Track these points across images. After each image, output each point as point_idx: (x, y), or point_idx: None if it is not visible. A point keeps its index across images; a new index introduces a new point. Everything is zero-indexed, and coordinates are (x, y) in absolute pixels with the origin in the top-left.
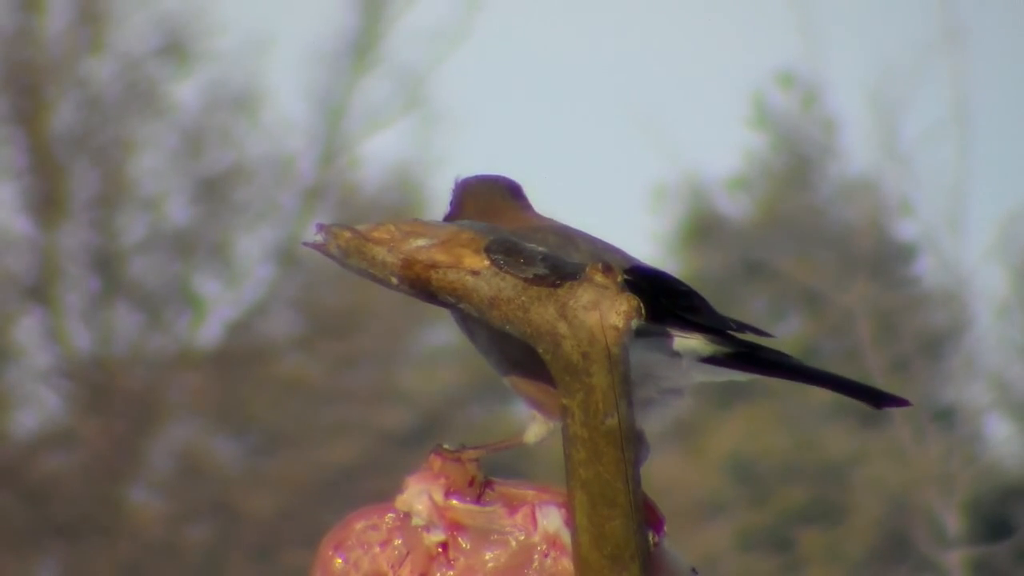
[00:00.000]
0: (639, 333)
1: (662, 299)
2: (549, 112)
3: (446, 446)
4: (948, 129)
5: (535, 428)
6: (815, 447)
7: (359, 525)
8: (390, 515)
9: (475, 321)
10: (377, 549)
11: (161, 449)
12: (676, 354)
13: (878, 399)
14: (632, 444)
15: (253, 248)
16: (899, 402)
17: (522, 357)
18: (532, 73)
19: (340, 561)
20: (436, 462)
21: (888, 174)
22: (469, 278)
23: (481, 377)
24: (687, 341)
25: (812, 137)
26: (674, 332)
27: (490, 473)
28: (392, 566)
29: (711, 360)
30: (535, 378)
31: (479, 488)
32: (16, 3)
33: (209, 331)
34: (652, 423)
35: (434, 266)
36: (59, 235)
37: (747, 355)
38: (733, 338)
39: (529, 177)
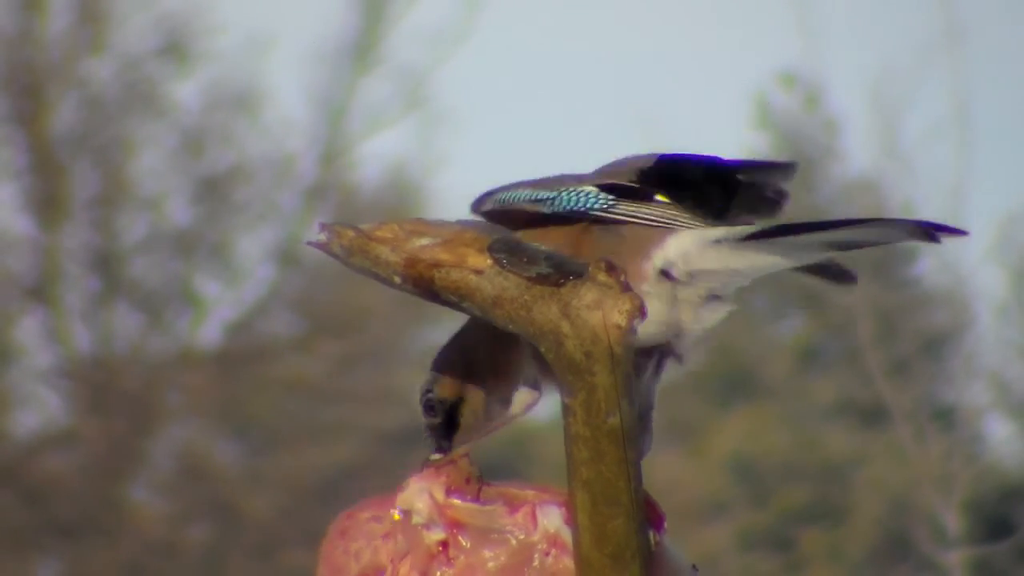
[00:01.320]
0: (681, 223)
1: (692, 185)
2: (549, 112)
3: (435, 457)
4: (949, 129)
5: (520, 397)
6: (816, 447)
7: (364, 515)
8: (395, 509)
9: (478, 344)
10: (379, 541)
11: (161, 449)
12: (719, 241)
13: (932, 228)
14: (634, 443)
15: (253, 248)
16: (951, 230)
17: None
18: (532, 73)
19: (342, 550)
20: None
21: (889, 174)
22: (472, 277)
23: None
24: (719, 229)
25: (813, 137)
26: (706, 223)
27: (491, 475)
28: (392, 560)
29: (753, 237)
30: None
31: (477, 483)
32: (16, 3)
33: (209, 331)
34: (701, 328)
35: (437, 265)
36: (59, 235)
37: (785, 226)
38: (762, 216)
39: (529, 177)
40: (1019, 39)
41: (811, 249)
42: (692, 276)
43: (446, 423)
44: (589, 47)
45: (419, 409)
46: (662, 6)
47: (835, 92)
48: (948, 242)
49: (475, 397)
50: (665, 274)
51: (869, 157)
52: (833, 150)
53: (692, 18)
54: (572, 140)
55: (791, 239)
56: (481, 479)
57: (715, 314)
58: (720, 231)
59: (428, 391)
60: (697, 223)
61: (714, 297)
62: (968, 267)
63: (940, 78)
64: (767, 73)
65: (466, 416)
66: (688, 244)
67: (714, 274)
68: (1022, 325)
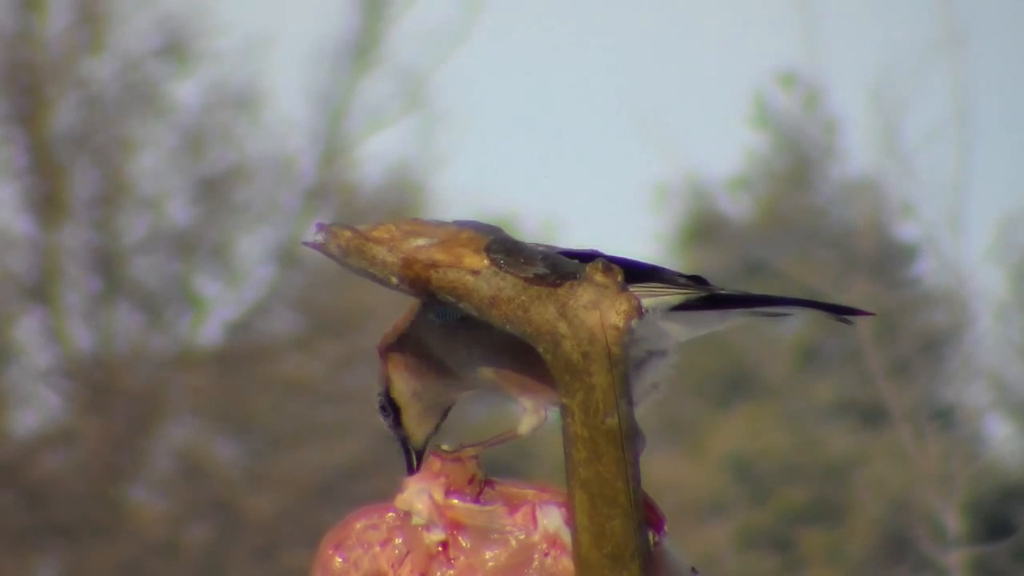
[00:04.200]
0: None
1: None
2: (549, 112)
3: (444, 447)
4: (949, 130)
5: (528, 419)
6: (815, 447)
7: (359, 524)
8: (390, 514)
9: (448, 337)
10: (377, 548)
11: (161, 449)
12: (647, 310)
13: (840, 311)
14: (632, 443)
15: (253, 248)
16: (859, 312)
17: (509, 349)
18: (532, 73)
19: (340, 560)
20: (436, 462)
21: (889, 174)
22: (469, 277)
23: None
24: (655, 297)
25: (813, 137)
26: (639, 288)
27: (490, 473)
28: (392, 565)
29: (683, 307)
30: (526, 367)
31: (479, 486)
32: (16, 3)
33: (209, 331)
34: (646, 384)
35: (434, 265)
36: (59, 235)
37: (714, 296)
38: (695, 284)
39: (529, 177)
40: (1019, 40)
41: (735, 317)
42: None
43: (392, 411)
44: (589, 47)
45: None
46: (662, 6)
47: (835, 92)
48: (948, 243)
49: (399, 378)
50: None
51: (869, 157)
52: (833, 150)
53: (692, 17)
54: (572, 140)
55: (714, 312)
56: (485, 481)
57: (658, 370)
58: (648, 301)
59: (378, 395)
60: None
61: (656, 354)
62: (968, 267)
63: (940, 78)
64: (767, 73)
65: (398, 396)
66: None
67: (646, 338)
68: (1022, 325)
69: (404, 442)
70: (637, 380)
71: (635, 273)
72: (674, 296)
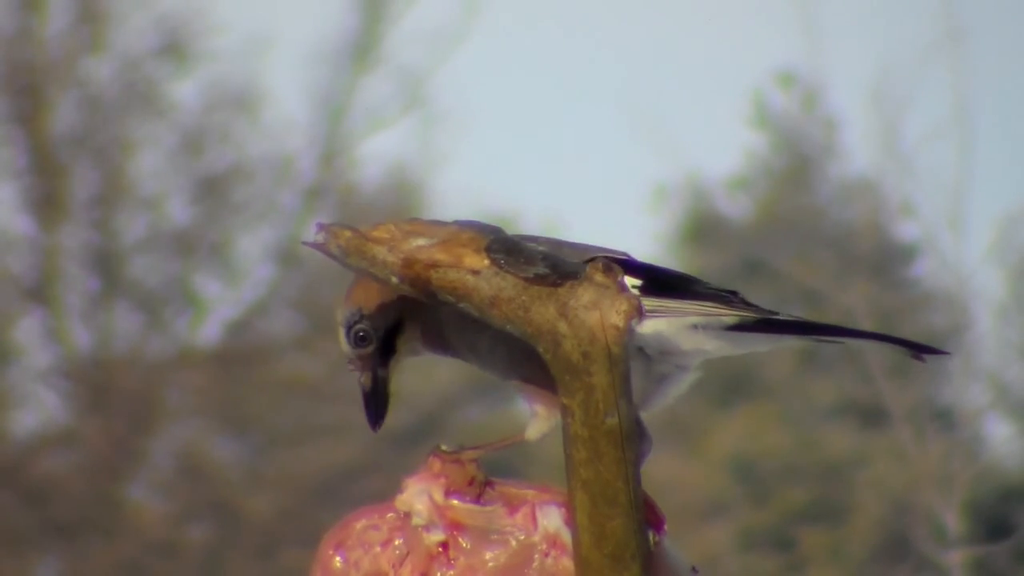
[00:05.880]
0: (661, 311)
1: (673, 281)
2: (549, 112)
3: (444, 447)
4: (949, 129)
5: (537, 425)
6: (816, 447)
7: (359, 525)
8: (391, 515)
9: (473, 325)
10: (378, 549)
11: (161, 449)
12: (697, 327)
13: (914, 348)
14: (633, 443)
15: (253, 248)
16: (934, 351)
17: (528, 354)
18: (532, 73)
19: (340, 560)
20: (436, 463)
21: (888, 174)
22: (470, 277)
23: (479, 377)
24: (711, 315)
25: (812, 137)
26: (696, 305)
27: (490, 473)
28: (393, 565)
29: (738, 328)
30: (542, 373)
31: (479, 488)
32: (16, 3)
33: (209, 331)
34: (664, 400)
35: (434, 265)
36: (59, 235)
37: (771, 320)
38: (754, 305)
39: (529, 177)
40: (1019, 39)
41: (785, 340)
42: (663, 354)
43: (382, 349)
44: (589, 47)
45: (344, 343)
46: (662, 5)
47: (835, 92)
48: (948, 243)
49: (414, 325)
50: (641, 351)
51: (869, 157)
52: (832, 150)
53: (692, 17)
54: (572, 139)
55: (768, 336)
56: (486, 482)
57: (679, 386)
58: (698, 318)
59: (356, 322)
60: (708, 310)
61: (681, 368)
62: (968, 267)
63: (940, 78)
64: (766, 72)
65: (403, 342)
66: (663, 327)
67: (685, 354)
68: (1021, 326)
69: (380, 383)
70: (659, 394)
71: (669, 284)
72: (729, 316)
